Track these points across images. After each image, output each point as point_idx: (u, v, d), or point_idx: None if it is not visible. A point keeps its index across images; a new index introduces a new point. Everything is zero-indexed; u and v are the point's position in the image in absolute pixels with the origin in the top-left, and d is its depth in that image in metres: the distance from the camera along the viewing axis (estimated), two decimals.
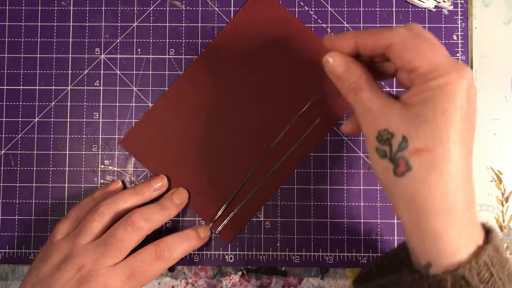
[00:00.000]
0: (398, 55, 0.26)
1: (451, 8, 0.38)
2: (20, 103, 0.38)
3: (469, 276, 0.23)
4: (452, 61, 0.25)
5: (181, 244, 0.34)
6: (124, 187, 0.38)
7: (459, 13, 0.38)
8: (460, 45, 0.38)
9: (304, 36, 0.38)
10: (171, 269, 0.38)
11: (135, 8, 0.38)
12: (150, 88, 0.38)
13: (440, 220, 0.24)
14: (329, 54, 0.28)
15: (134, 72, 0.38)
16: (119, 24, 0.38)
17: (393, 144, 0.25)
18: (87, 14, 0.38)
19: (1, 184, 0.38)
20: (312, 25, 0.38)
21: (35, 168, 0.38)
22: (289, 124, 0.37)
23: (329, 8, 0.38)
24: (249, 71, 0.37)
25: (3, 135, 0.38)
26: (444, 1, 0.38)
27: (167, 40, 0.38)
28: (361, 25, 0.38)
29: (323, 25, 0.38)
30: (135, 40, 0.38)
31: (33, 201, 0.38)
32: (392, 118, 0.26)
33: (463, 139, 0.25)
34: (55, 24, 0.38)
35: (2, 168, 0.38)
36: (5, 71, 0.38)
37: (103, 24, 0.38)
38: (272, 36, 0.38)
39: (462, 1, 0.38)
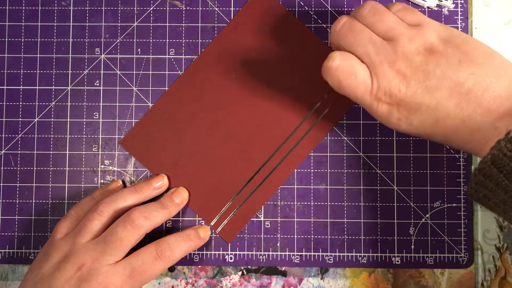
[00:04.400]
0: None
1: (452, 6, 0.38)
2: (20, 103, 0.38)
3: None
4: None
5: (181, 244, 0.34)
6: (124, 186, 0.38)
7: (459, 13, 0.38)
8: None
9: (304, 36, 0.38)
10: (171, 269, 0.38)
11: (135, 8, 0.38)
12: (150, 88, 0.38)
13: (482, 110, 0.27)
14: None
15: (134, 72, 0.38)
16: (119, 24, 0.38)
17: None
18: (87, 14, 0.38)
19: (1, 184, 0.38)
20: (312, 25, 0.38)
21: (35, 168, 0.38)
22: (301, 121, 0.37)
23: (329, 8, 0.38)
24: (249, 71, 0.38)
25: (3, 135, 0.38)
26: None
27: (167, 40, 0.38)
28: None
29: (323, 25, 0.38)
30: (135, 40, 0.38)
31: (33, 201, 0.38)
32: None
33: (421, 120, 0.29)
34: (55, 24, 0.38)
35: (2, 168, 0.38)
36: (5, 71, 0.38)
37: (103, 24, 0.38)
38: (272, 36, 0.38)
39: (462, 1, 0.38)
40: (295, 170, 0.37)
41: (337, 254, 0.37)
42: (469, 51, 0.29)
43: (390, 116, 0.30)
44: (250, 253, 0.37)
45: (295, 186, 0.37)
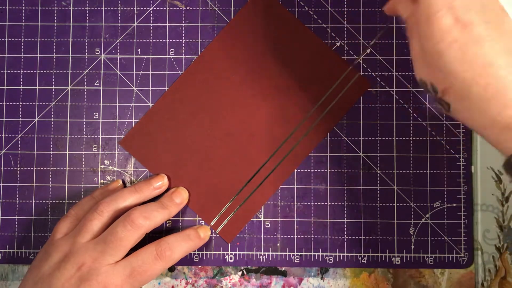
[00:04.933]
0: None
1: None
2: (20, 103, 0.38)
3: None
4: None
5: (182, 244, 0.34)
6: (124, 186, 0.37)
7: None
8: None
9: (304, 36, 0.38)
10: (171, 269, 0.38)
11: (135, 8, 0.39)
12: (150, 88, 0.38)
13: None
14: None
15: (134, 72, 0.38)
16: (119, 24, 0.38)
17: (430, 90, 0.28)
18: (87, 14, 0.38)
19: (1, 184, 0.38)
20: (312, 25, 0.38)
21: (35, 168, 0.38)
22: (301, 121, 0.37)
23: (329, 8, 0.38)
24: (249, 71, 0.38)
25: (3, 135, 0.38)
26: None
27: (167, 40, 0.38)
28: (361, 25, 0.38)
29: (323, 25, 0.38)
30: (135, 40, 0.38)
31: (33, 201, 0.38)
32: (421, 70, 0.28)
33: (468, 61, 0.26)
34: (55, 24, 0.38)
35: (2, 168, 0.38)
36: (5, 71, 0.38)
37: (103, 24, 0.38)
38: (272, 36, 0.38)
39: None
40: (295, 170, 0.37)
41: (337, 254, 0.37)
42: None
43: (447, 33, 0.26)
44: (250, 253, 0.37)
45: (295, 186, 0.37)
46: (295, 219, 0.37)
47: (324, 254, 0.37)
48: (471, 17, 0.26)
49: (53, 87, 0.38)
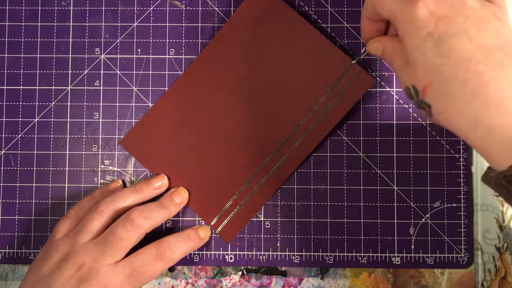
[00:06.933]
0: (376, 12, 0.29)
1: None
2: (20, 103, 0.38)
3: None
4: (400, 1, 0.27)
5: (182, 244, 0.34)
6: (124, 186, 0.37)
7: None
8: None
9: (304, 31, 0.37)
10: (171, 269, 0.38)
11: (135, 8, 0.38)
12: (150, 88, 0.38)
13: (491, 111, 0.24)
14: (368, 43, 0.32)
15: (134, 72, 0.38)
16: (119, 24, 0.38)
17: (413, 94, 0.28)
18: (87, 14, 0.38)
19: (1, 184, 0.38)
20: (312, 25, 0.38)
21: (35, 168, 0.38)
22: (301, 120, 0.37)
23: (329, 8, 0.38)
24: (249, 70, 0.37)
25: (3, 135, 0.38)
26: None
27: (167, 40, 0.38)
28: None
29: (323, 25, 0.38)
30: (135, 40, 0.38)
31: (33, 201, 0.38)
32: (403, 77, 0.28)
33: (445, 55, 0.25)
34: (55, 24, 0.38)
35: (2, 168, 0.38)
36: (5, 71, 0.38)
37: (103, 24, 0.38)
38: (272, 33, 0.37)
39: None
40: (295, 170, 0.37)
41: (337, 254, 0.37)
42: None
43: (423, 26, 0.26)
44: (250, 253, 0.37)
45: (295, 186, 0.37)
46: (295, 219, 0.37)
47: (324, 254, 0.37)
48: (447, 10, 0.26)
49: (53, 87, 0.38)
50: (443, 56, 0.25)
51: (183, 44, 0.38)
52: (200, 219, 0.37)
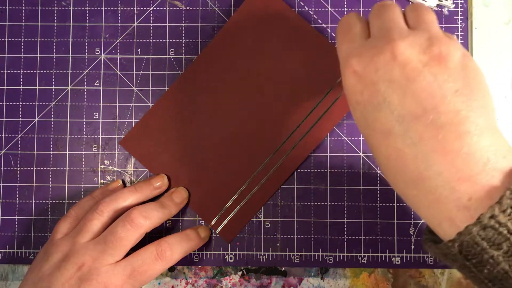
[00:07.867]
0: None
1: (452, 6, 0.38)
2: (20, 103, 0.38)
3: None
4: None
5: (182, 244, 0.34)
6: (124, 186, 0.37)
7: (459, 13, 0.38)
8: None
9: (304, 31, 0.37)
10: (171, 269, 0.38)
11: (135, 8, 0.39)
12: (150, 88, 0.38)
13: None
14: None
15: (134, 72, 0.38)
16: (119, 24, 0.38)
17: None
18: (87, 14, 0.38)
19: (1, 184, 0.38)
20: (312, 25, 0.38)
21: (35, 168, 0.38)
22: (301, 121, 0.37)
23: (329, 8, 0.38)
24: (249, 70, 0.37)
25: (3, 135, 0.38)
26: None
27: (167, 40, 0.38)
28: None
29: (323, 25, 0.38)
30: (135, 40, 0.38)
31: (33, 201, 0.38)
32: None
33: (370, 127, 0.24)
34: (55, 24, 0.38)
35: (2, 168, 0.38)
36: (5, 71, 0.38)
37: (103, 24, 0.38)
38: (272, 33, 0.38)
39: (462, 1, 0.38)
40: (295, 170, 0.37)
41: (337, 254, 0.37)
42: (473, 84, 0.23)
43: (352, 93, 0.25)
44: (250, 253, 0.37)
45: (295, 186, 0.37)
46: (295, 219, 0.37)
47: (324, 254, 0.37)
48: (372, 75, 0.23)
49: (53, 87, 0.38)
50: (369, 128, 0.24)
51: (183, 44, 0.38)
52: (200, 219, 0.37)
